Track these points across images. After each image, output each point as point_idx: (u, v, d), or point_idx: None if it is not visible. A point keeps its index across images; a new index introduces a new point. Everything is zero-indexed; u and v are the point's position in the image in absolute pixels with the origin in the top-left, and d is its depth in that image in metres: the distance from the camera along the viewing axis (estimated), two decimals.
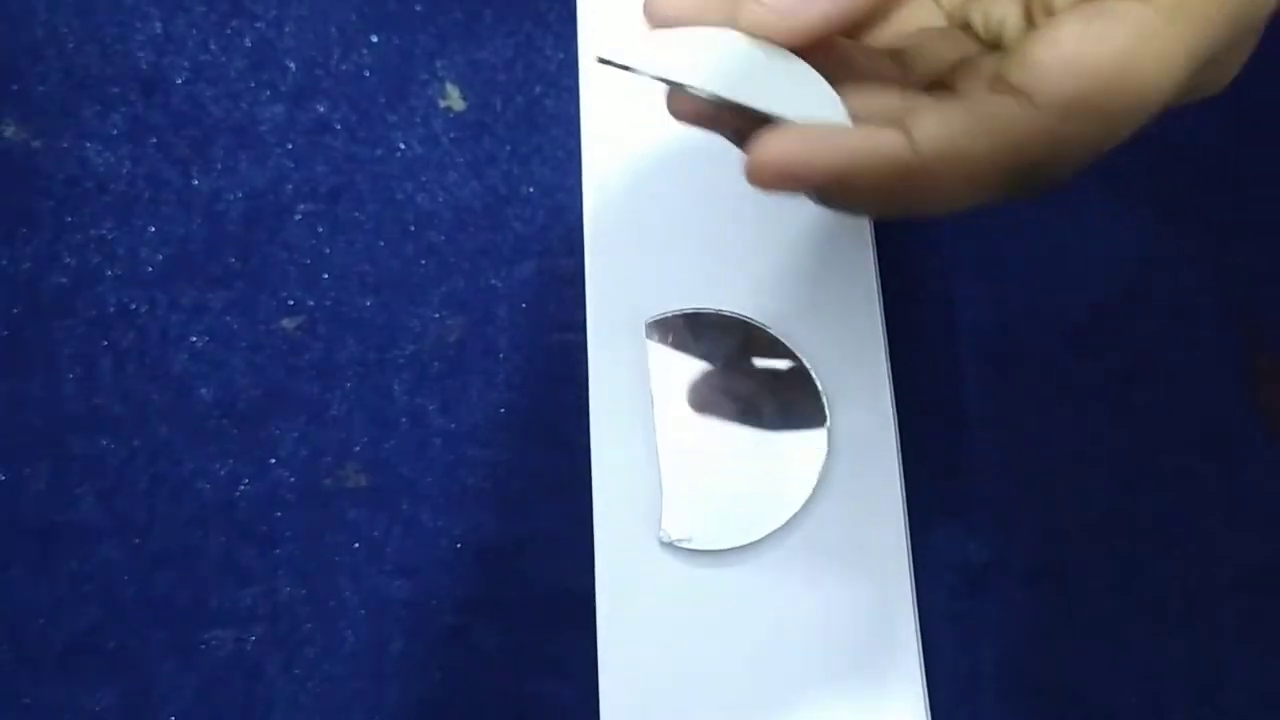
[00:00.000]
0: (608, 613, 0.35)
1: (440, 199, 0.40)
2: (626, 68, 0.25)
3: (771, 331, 0.36)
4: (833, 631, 0.34)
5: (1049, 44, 0.23)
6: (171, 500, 0.37)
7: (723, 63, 0.24)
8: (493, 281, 0.39)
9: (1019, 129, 0.23)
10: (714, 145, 0.38)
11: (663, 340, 0.37)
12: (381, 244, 0.39)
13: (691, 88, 0.25)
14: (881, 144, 0.23)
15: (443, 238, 0.39)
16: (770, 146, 0.23)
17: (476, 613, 0.36)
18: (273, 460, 0.37)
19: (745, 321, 0.37)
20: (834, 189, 0.23)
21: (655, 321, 0.37)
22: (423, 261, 0.39)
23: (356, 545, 0.37)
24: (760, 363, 0.37)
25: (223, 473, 0.37)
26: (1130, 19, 0.22)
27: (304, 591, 0.36)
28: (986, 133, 0.23)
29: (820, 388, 0.36)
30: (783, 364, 0.36)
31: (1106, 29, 0.22)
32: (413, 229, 0.40)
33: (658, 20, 0.25)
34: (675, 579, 0.35)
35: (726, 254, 0.37)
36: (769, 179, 0.23)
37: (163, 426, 0.38)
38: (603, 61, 0.25)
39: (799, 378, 0.36)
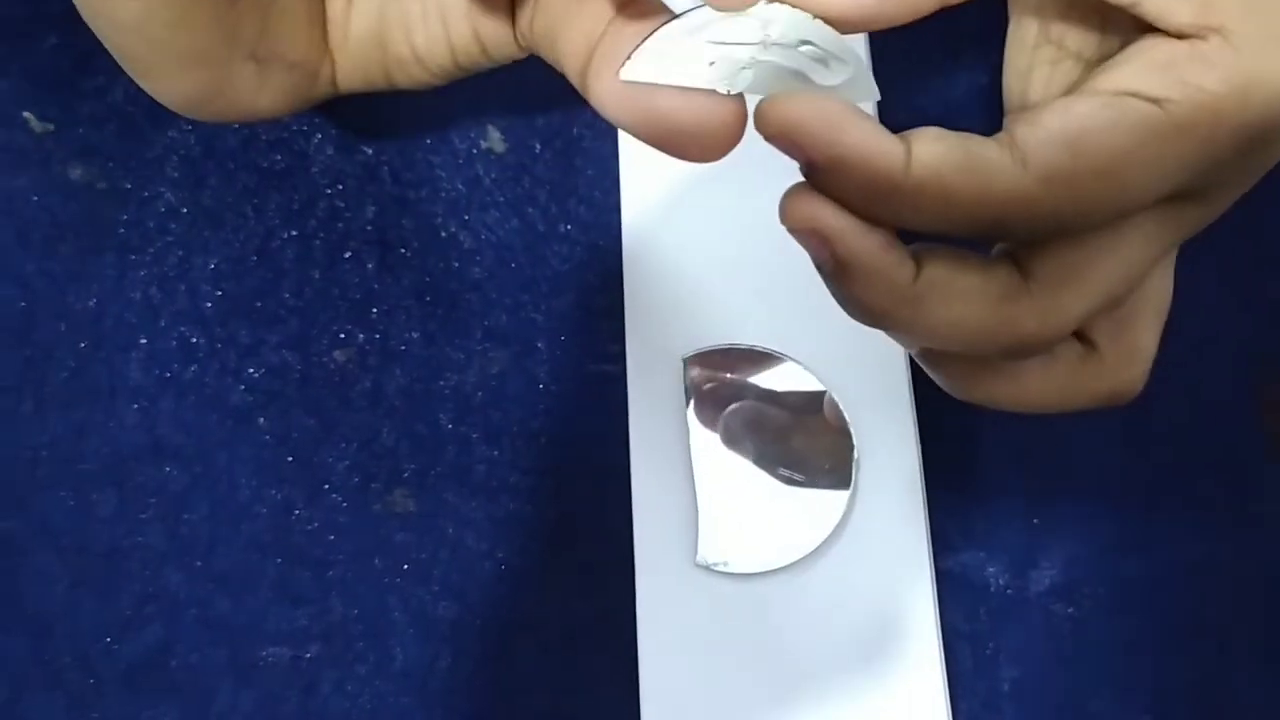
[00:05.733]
0: (648, 633, 0.36)
1: (482, 237, 0.42)
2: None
3: (802, 365, 0.38)
4: (859, 650, 0.36)
5: (1060, 112, 0.23)
6: (231, 525, 0.39)
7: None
8: (533, 315, 0.41)
9: (1001, 185, 0.22)
10: (749, 183, 0.39)
11: (699, 373, 0.38)
12: (427, 279, 0.41)
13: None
14: (880, 150, 0.22)
15: (485, 274, 0.41)
16: (784, 107, 0.22)
17: (520, 632, 0.38)
18: (325, 486, 0.39)
19: (777, 356, 0.38)
20: (822, 168, 0.23)
21: (692, 356, 0.39)
22: (466, 296, 0.41)
23: (405, 567, 0.38)
24: (791, 395, 0.38)
25: (279, 498, 0.39)
26: (1140, 115, 0.22)
27: (356, 611, 0.38)
28: (972, 174, 0.22)
29: (847, 418, 0.38)
30: (812, 396, 0.38)
31: (1116, 118, 0.22)
32: (456, 265, 0.41)
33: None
34: (712, 601, 0.37)
35: (760, 292, 0.39)
36: (771, 130, 0.23)
37: (222, 455, 0.39)
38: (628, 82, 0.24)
39: (827, 409, 0.38)
